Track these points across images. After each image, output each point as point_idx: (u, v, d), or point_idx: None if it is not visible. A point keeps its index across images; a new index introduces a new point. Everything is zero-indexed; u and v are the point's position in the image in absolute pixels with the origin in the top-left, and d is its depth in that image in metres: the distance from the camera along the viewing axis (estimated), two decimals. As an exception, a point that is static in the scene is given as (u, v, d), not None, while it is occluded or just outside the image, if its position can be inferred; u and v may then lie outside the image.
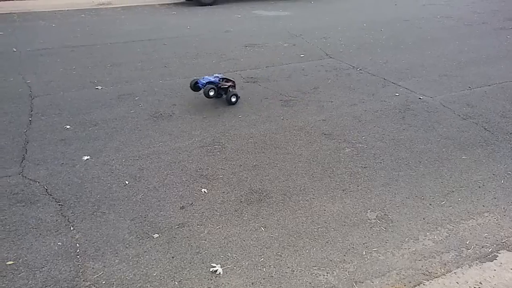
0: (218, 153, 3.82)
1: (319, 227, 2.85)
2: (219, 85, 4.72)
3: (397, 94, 5.19)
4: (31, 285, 2.36)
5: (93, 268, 2.49)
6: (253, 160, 3.70)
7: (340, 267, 2.51)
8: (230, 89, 4.81)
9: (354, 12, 11.01)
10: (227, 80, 4.85)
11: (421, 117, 4.55)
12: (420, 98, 5.05)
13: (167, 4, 12.51)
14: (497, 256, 2.58)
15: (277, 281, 2.40)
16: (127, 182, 3.35)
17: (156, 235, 2.77)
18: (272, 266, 2.52)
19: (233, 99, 4.80)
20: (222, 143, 3.99)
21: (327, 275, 2.45)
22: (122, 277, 2.43)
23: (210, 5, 11.95)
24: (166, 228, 2.83)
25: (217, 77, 4.82)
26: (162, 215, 2.97)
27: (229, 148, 3.90)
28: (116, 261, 2.55)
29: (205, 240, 2.73)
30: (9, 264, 2.52)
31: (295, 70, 6.13)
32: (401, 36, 8.19)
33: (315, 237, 2.76)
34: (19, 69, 6.14)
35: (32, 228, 2.83)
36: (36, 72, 6.00)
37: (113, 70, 6.16)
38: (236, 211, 3.02)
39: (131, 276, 2.43)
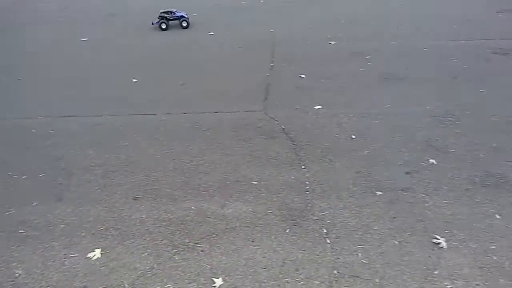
0: (450, 125, 3.56)
1: None
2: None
3: None
4: (271, 207, 2.78)
5: (319, 206, 2.77)
6: (492, 140, 3.32)
7: None
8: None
9: None
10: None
11: None
12: None
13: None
14: None
15: (510, 274, 2.19)
16: (353, 137, 3.50)
17: (379, 193, 2.85)
18: (505, 257, 2.30)
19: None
20: (457, 116, 3.69)
21: None
22: (345, 222, 2.63)
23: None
24: (389, 189, 2.88)
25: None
26: (386, 175, 3.02)
27: (465, 123, 3.58)
28: (340, 206, 2.76)
29: (429, 210, 2.67)
30: (253, 184, 3.02)
31: None
32: None
33: None
34: (267, 19, 6.90)
35: (271, 159, 3.30)
36: (279, 23, 6.65)
37: (346, 27, 6.29)
38: (467, 190, 2.82)
39: (352, 223, 2.61)
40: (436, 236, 2.46)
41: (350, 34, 5.92)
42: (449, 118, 3.66)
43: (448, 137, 3.40)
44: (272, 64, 5.09)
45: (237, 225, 2.63)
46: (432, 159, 3.15)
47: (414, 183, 2.92)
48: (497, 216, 2.58)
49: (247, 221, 2.66)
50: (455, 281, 2.19)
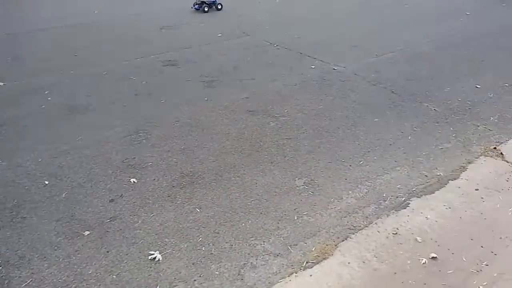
0: (144, 140, 3.72)
1: (252, 200, 2.95)
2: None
3: (313, 67, 5.42)
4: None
5: (19, 277, 2.34)
6: (181, 143, 3.66)
7: (275, 234, 2.64)
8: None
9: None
10: None
11: (336, 86, 4.83)
12: (334, 69, 5.33)
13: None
14: (409, 203, 2.89)
15: (217, 257, 2.46)
16: (47, 182, 3.14)
17: (87, 232, 2.66)
18: (211, 244, 2.56)
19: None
20: (147, 130, 3.88)
21: (263, 244, 2.56)
22: (55, 280, 2.31)
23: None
24: (97, 224, 2.73)
25: None
26: (91, 211, 2.85)
27: (155, 135, 3.81)
28: (45, 265, 2.41)
29: (140, 229, 2.69)
30: None
31: (214, 50, 6.10)
32: (315, 11, 8.49)
33: (249, 210, 2.85)
34: None
35: None
36: None
37: (14, 63, 5.61)
38: (169, 196, 3.00)
39: (64, 278, 2.33)
40: (150, 252, 2.49)
41: (23, 71, 5.31)
42: (140, 134, 3.80)
43: (143, 152, 3.53)
44: None
45: None
46: (133, 178, 3.19)
47: (121, 208, 2.87)
48: (198, 210, 2.85)
49: None
50: (176, 287, 2.27)
